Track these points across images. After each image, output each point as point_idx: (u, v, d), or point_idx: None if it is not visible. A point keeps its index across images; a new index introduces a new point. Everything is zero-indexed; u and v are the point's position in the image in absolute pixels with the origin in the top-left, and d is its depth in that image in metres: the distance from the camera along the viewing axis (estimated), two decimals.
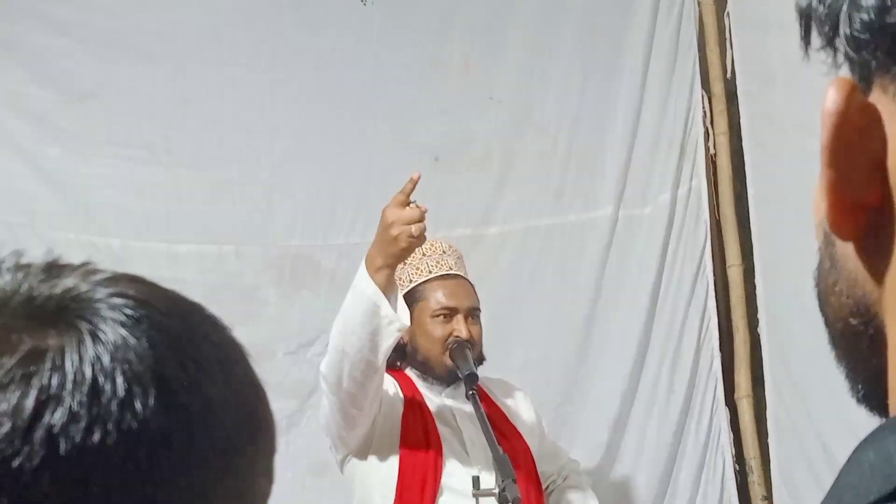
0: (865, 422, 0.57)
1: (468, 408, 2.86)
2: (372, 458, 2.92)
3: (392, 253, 2.65)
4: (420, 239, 2.66)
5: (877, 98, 0.52)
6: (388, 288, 2.68)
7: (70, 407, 0.59)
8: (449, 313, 2.99)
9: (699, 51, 4.09)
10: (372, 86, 3.96)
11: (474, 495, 2.61)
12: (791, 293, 3.52)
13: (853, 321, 0.54)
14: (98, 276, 0.67)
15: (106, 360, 0.61)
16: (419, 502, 2.84)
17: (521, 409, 3.16)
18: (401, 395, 2.97)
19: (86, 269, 0.68)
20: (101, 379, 0.60)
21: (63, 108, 3.76)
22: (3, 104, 3.72)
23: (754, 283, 3.87)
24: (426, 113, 3.99)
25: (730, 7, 4.00)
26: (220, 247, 3.81)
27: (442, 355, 2.97)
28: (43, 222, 3.68)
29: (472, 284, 3.09)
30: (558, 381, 3.84)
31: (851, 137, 0.51)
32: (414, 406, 2.96)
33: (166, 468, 0.62)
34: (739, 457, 3.85)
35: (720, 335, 3.93)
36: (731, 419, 3.87)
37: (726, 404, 3.88)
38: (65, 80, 3.78)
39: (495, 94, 4.02)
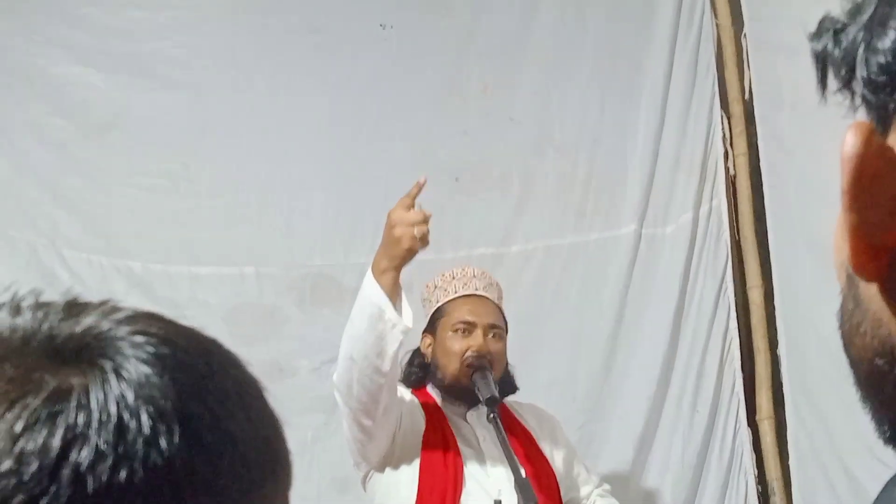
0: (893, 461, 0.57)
1: (491, 430, 2.85)
2: (392, 475, 2.91)
3: (396, 254, 2.67)
4: (423, 241, 2.67)
5: (895, 141, 0.52)
6: (393, 291, 2.68)
7: (97, 445, 0.59)
8: (467, 328, 2.99)
9: (718, 72, 4.09)
10: (391, 109, 3.98)
11: None
12: (808, 316, 3.51)
13: (879, 361, 0.54)
14: (119, 315, 0.67)
15: (130, 397, 0.61)
16: None
17: (549, 434, 3.14)
18: (423, 413, 2.97)
19: (106, 307, 0.68)
20: (126, 417, 0.60)
21: (83, 139, 3.80)
22: (26, 135, 3.76)
23: (774, 304, 3.86)
24: (445, 134, 4.01)
25: (747, 29, 4.00)
26: (240, 268, 3.83)
27: (459, 370, 2.96)
28: (64, 244, 3.71)
29: (498, 307, 3.09)
30: (583, 399, 3.83)
31: (871, 180, 0.51)
32: (436, 425, 2.95)
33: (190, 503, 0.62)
34: (762, 478, 3.83)
35: (741, 356, 3.91)
36: (753, 440, 3.85)
37: (748, 425, 3.86)
38: (84, 111, 3.82)
39: (514, 115, 4.03)
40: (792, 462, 3.74)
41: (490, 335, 3.00)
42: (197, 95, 3.88)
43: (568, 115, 4.06)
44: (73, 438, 0.58)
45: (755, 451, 3.84)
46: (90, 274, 3.68)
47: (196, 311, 3.62)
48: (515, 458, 2.69)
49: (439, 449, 2.90)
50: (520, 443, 2.96)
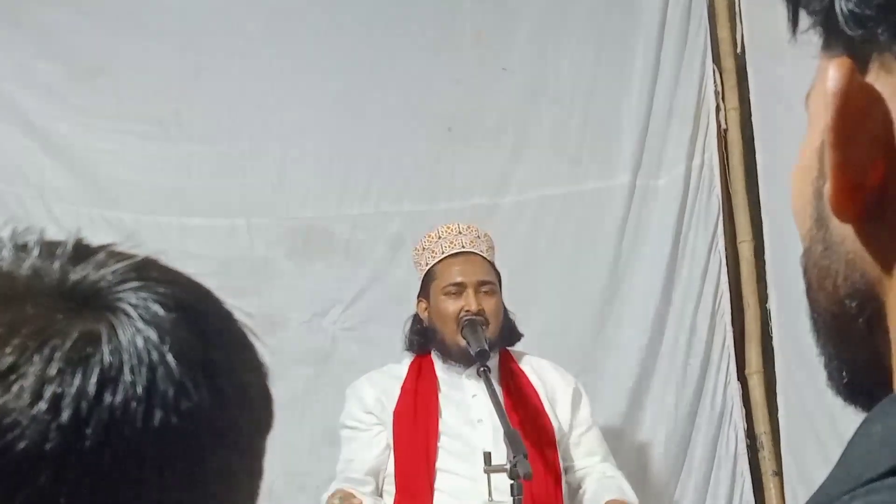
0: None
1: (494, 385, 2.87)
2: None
3: None
4: None
5: (875, 77, 0.51)
6: None
7: (131, 389, 0.59)
8: (458, 289, 3.02)
9: (710, 25, 4.06)
10: (383, 57, 3.95)
11: (486, 471, 2.62)
12: (798, 270, 3.51)
13: (849, 303, 0.54)
14: (128, 261, 0.67)
15: (156, 341, 0.61)
16: (417, 485, 2.90)
17: (555, 393, 3.15)
18: (393, 396, 3.02)
19: (114, 251, 0.68)
20: (155, 359, 0.60)
21: (71, 83, 3.75)
22: (11, 78, 3.72)
23: (765, 258, 3.87)
24: (439, 84, 3.98)
25: None
26: (231, 220, 3.82)
27: (456, 333, 2.98)
28: (53, 195, 3.69)
29: (487, 260, 3.10)
30: (576, 351, 3.82)
31: (854, 118, 0.51)
32: (408, 396, 3.00)
33: (208, 448, 0.63)
34: (751, 431, 3.85)
35: (731, 310, 3.92)
36: (742, 394, 3.87)
37: (738, 379, 3.88)
38: (73, 55, 3.78)
39: (508, 65, 4.00)
40: (781, 416, 3.76)
41: (482, 292, 3.02)
42: (187, 42, 3.84)
43: (563, 64, 4.02)
44: (106, 381, 0.58)
45: (744, 405, 3.86)
46: (79, 225, 3.64)
47: (186, 263, 3.58)
48: (504, 410, 2.70)
49: (409, 417, 2.97)
50: (515, 395, 2.98)
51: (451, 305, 3.00)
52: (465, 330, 2.94)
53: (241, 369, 0.67)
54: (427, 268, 3.09)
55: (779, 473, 3.75)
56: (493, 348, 2.98)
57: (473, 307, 2.97)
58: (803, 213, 0.57)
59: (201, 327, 0.65)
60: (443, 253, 3.07)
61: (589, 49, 4.03)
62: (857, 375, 0.56)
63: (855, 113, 0.51)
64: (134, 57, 3.80)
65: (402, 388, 3.02)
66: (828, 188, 0.52)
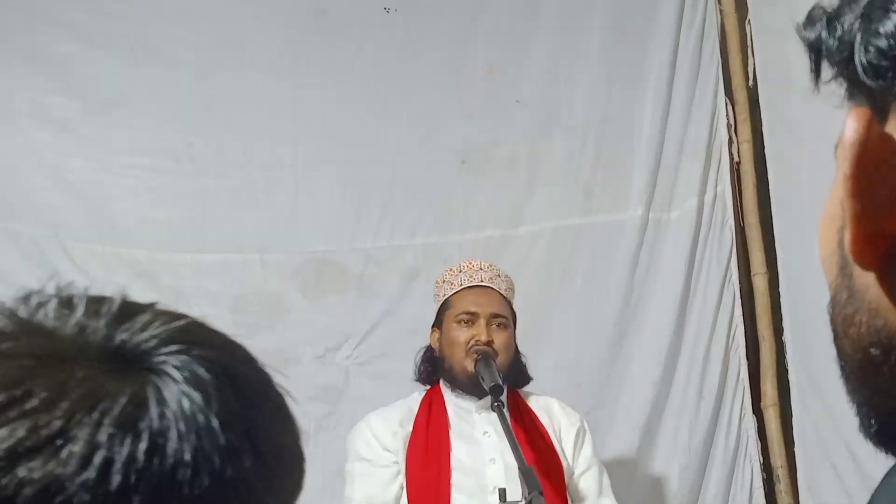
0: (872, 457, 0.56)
1: (498, 424, 2.83)
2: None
3: None
4: None
5: (895, 127, 0.52)
6: None
7: (179, 455, 0.58)
8: (470, 318, 3.01)
9: (722, 58, 4.07)
10: (396, 91, 3.96)
11: None
12: (814, 302, 3.49)
13: (874, 351, 0.54)
14: (174, 323, 0.66)
15: (202, 406, 0.61)
16: None
17: (562, 431, 3.13)
18: (405, 433, 3.00)
19: (159, 311, 0.67)
20: (201, 423, 0.60)
21: (86, 117, 3.76)
22: (26, 114, 3.72)
23: (779, 291, 3.85)
24: (451, 117, 3.99)
25: (751, 15, 3.99)
26: (244, 256, 3.81)
27: (464, 361, 2.97)
28: (68, 234, 3.68)
29: (504, 298, 3.09)
30: (590, 384, 3.82)
31: (873, 167, 0.51)
32: (420, 433, 2.99)
33: None
34: (767, 465, 3.82)
35: (746, 343, 3.91)
36: (758, 428, 3.85)
37: (753, 412, 3.86)
38: (87, 89, 3.79)
39: (520, 97, 4.02)
40: (797, 449, 3.74)
41: (494, 325, 3.01)
42: (202, 75, 3.86)
43: (576, 96, 4.04)
44: (155, 447, 0.57)
45: (760, 439, 3.84)
46: (94, 265, 3.65)
47: (200, 300, 3.61)
48: (518, 447, 2.68)
49: (421, 454, 2.95)
50: (527, 432, 2.97)
51: (463, 334, 2.99)
52: (478, 364, 2.92)
53: (279, 433, 0.67)
54: (444, 298, 3.10)
55: None
56: (504, 382, 2.97)
57: (484, 337, 2.97)
58: (830, 261, 0.57)
59: (244, 391, 0.65)
60: (461, 285, 3.08)
61: (601, 81, 4.04)
62: (886, 423, 0.56)
63: (873, 162, 0.51)
64: (147, 90, 3.81)
65: (415, 423, 3.01)
66: (847, 236, 0.53)
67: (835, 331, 0.58)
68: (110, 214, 3.76)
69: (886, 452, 0.57)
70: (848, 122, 0.52)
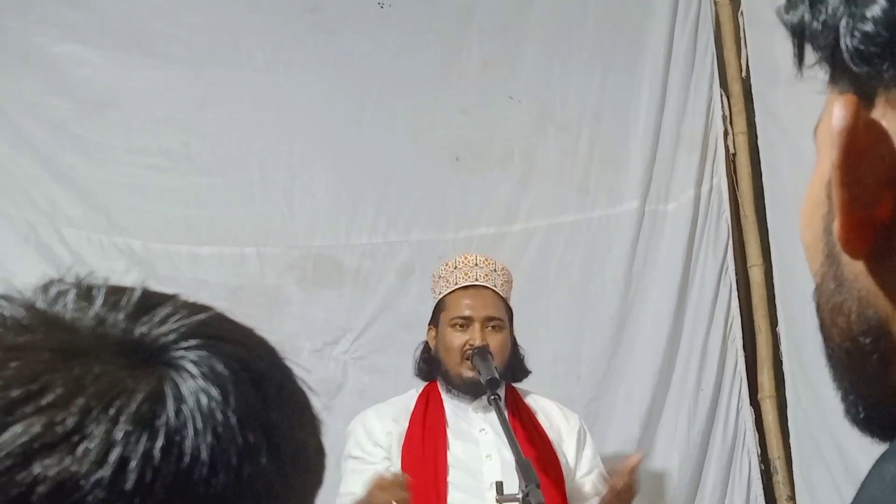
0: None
1: (495, 421, 2.84)
2: None
3: None
4: None
5: (881, 113, 0.51)
6: None
7: (195, 453, 0.57)
8: (464, 322, 3.02)
9: (717, 50, 4.07)
10: (390, 86, 3.96)
11: (498, 501, 2.60)
12: (805, 294, 3.49)
13: (863, 340, 0.54)
14: (194, 317, 0.65)
15: (220, 402, 0.60)
16: None
17: (564, 432, 3.13)
18: (401, 429, 2.99)
19: (180, 303, 0.66)
20: (219, 420, 0.59)
21: (81, 117, 3.76)
22: (21, 113, 3.72)
23: (774, 282, 3.86)
24: (445, 113, 3.99)
25: (743, 7, 3.99)
26: (241, 249, 3.81)
27: (459, 365, 2.99)
28: (64, 222, 3.69)
29: (500, 295, 3.09)
30: (588, 377, 3.82)
31: (861, 155, 0.51)
32: (416, 429, 2.99)
33: None
34: (764, 457, 3.83)
35: (743, 335, 3.91)
36: (755, 419, 3.85)
37: (751, 404, 3.86)
38: (81, 88, 3.78)
39: (514, 93, 4.02)
40: (792, 440, 3.74)
41: (488, 328, 3.02)
42: (196, 73, 3.86)
43: (570, 91, 4.04)
44: (172, 444, 0.57)
45: (757, 430, 3.84)
46: (90, 252, 3.65)
47: (197, 291, 3.60)
48: (516, 440, 2.68)
49: (418, 451, 2.95)
50: (524, 428, 2.97)
51: (457, 339, 3.00)
52: (475, 358, 2.93)
53: (298, 429, 0.66)
54: (439, 297, 3.10)
55: (793, 498, 3.73)
56: (501, 379, 2.98)
57: (478, 342, 2.97)
58: (814, 248, 0.57)
59: (263, 387, 0.63)
60: (456, 284, 3.07)
61: (595, 76, 4.04)
62: (873, 411, 0.56)
63: (861, 150, 0.51)
64: (142, 88, 3.81)
65: (411, 420, 3.01)
66: (836, 226, 0.52)
67: (821, 319, 0.58)
68: (106, 206, 3.75)
69: (872, 437, 0.56)
70: (835, 110, 0.51)
